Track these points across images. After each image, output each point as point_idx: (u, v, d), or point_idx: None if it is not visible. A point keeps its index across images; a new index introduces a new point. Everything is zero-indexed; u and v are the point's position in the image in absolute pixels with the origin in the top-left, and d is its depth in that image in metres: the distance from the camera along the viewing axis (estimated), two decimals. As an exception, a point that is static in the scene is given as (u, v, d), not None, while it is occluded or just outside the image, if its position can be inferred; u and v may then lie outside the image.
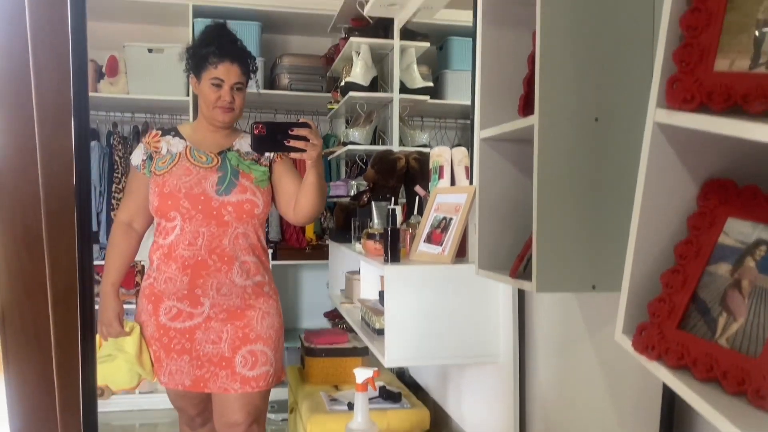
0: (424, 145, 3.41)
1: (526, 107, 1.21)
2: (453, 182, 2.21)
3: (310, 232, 4.04)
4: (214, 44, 1.88)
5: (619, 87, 1.18)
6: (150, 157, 1.94)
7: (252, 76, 1.96)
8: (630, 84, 1.18)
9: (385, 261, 1.83)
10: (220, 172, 1.89)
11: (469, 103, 3.24)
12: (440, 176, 2.22)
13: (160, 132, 1.99)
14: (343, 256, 2.81)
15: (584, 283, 1.18)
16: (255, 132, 1.66)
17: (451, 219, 1.83)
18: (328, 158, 3.91)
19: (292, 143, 1.68)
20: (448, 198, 1.88)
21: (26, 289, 0.92)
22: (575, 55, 1.17)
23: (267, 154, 1.94)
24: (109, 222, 3.78)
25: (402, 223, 2.71)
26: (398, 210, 1.91)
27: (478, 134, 1.44)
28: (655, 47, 1.22)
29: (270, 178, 1.95)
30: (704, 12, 0.74)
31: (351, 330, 2.71)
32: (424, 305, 1.76)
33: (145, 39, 3.97)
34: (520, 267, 1.23)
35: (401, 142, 3.39)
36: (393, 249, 1.82)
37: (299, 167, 2.19)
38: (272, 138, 1.67)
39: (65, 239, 0.95)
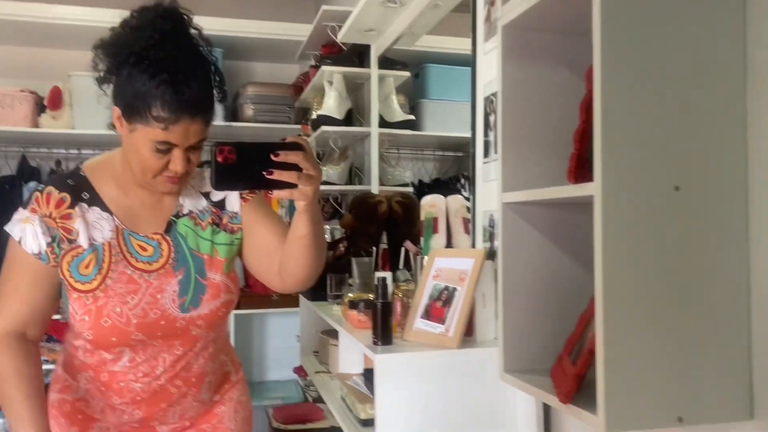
0: (406, 184, 3.10)
1: (580, 170, 0.89)
2: (449, 236, 1.89)
3: (278, 278, 3.68)
4: (162, 84, 1.14)
5: (705, 146, 0.88)
6: (57, 241, 1.25)
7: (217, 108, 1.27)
8: (720, 142, 0.88)
9: (375, 343, 1.49)
10: (178, 271, 1.28)
11: (449, 134, 2.95)
12: (434, 230, 1.89)
13: (66, 198, 1.25)
14: (320, 310, 2.45)
15: (668, 414, 0.86)
16: (219, 160, 1.05)
17: (455, 290, 1.50)
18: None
19: (277, 175, 1.07)
20: (451, 263, 1.55)
21: None
22: (648, 101, 0.86)
23: (231, 206, 1.33)
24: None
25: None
26: (389, 278, 1.58)
27: (500, 197, 1.12)
28: (746, 93, 0.93)
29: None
30: None
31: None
32: (425, 400, 1.41)
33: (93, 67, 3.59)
34: (576, 386, 0.90)
35: (380, 181, 3.08)
36: (384, 328, 1.48)
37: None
38: (246, 169, 1.06)
39: None
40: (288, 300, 3.62)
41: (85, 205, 1.26)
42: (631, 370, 0.85)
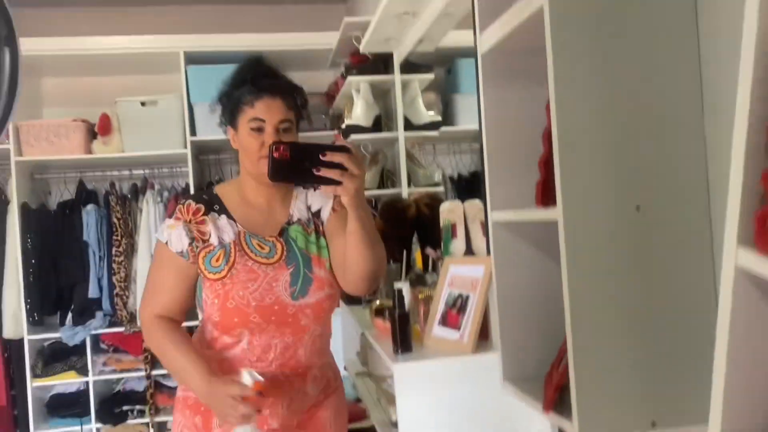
0: (436, 184, 3.17)
1: (546, 195, 0.95)
2: (468, 240, 1.95)
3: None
4: (248, 80, 1.46)
5: (665, 165, 0.92)
6: (194, 241, 1.49)
7: (303, 112, 1.53)
8: (681, 161, 0.92)
9: (396, 351, 1.58)
10: (290, 265, 1.48)
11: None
12: (453, 235, 1.96)
13: (201, 207, 1.50)
14: (355, 315, 2.56)
15: (641, 419, 0.92)
16: (275, 155, 1.23)
17: (468, 297, 1.57)
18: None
19: (324, 172, 1.24)
20: (463, 270, 1.63)
21: None
22: (604, 127, 0.91)
23: (323, 216, 1.53)
24: (112, 287, 3.59)
25: (412, 274, 2.45)
26: (406, 288, 1.65)
27: (490, 215, 1.19)
28: (703, 111, 0.97)
29: None
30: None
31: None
32: (443, 404, 1.49)
33: (137, 91, 3.79)
34: (556, 396, 0.97)
35: (410, 181, 3.15)
36: (403, 337, 1.57)
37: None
38: (297, 165, 1.24)
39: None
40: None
41: (215, 214, 1.51)
42: (602, 377, 0.90)
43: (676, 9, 0.94)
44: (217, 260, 1.46)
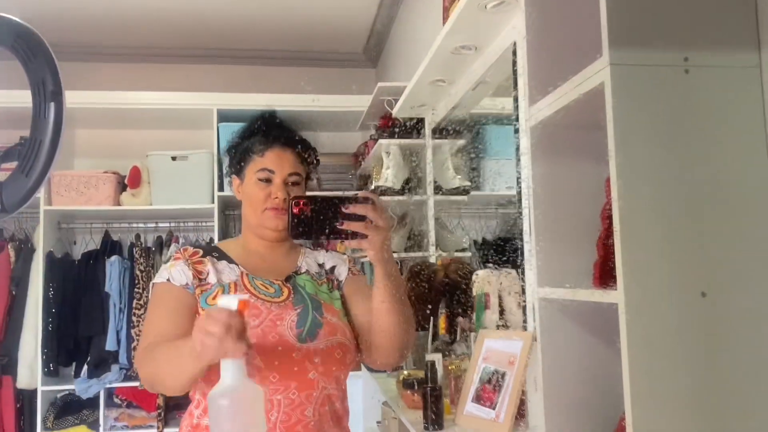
0: (464, 249, 3.13)
1: (604, 276, 0.91)
2: (502, 312, 1.89)
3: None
4: (260, 131, 1.42)
5: (732, 249, 0.88)
6: (193, 278, 1.38)
7: (313, 170, 1.47)
8: (746, 246, 0.88)
9: (426, 428, 1.50)
10: (297, 306, 1.36)
11: (510, 192, 2.97)
12: (486, 306, 1.91)
13: (200, 251, 1.43)
14: (378, 382, 2.48)
15: None
16: (294, 211, 1.17)
17: (504, 373, 1.50)
18: (361, 261, 3.64)
19: (347, 225, 1.16)
20: (499, 345, 1.56)
21: None
22: (668, 208, 0.88)
23: (339, 275, 1.45)
24: (130, 340, 3.54)
25: (438, 342, 2.38)
26: (438, 361, 1.60)
27: (535, 291, 1.14)
28: (775, 192, 0.93)
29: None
30: None
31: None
32: (477, 488, 1.41)
33: (168, 145, 3.84)
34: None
35: (439, 246, 3.11)
36: (435, 413, 1.50)
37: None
38: (319, 219, 1.16)
39: None
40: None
41: (214, 259, 1.41)
42: (665, 481, 0.84)
43: (741, 83, 0.91)
44: (213, 298, 1.34)
